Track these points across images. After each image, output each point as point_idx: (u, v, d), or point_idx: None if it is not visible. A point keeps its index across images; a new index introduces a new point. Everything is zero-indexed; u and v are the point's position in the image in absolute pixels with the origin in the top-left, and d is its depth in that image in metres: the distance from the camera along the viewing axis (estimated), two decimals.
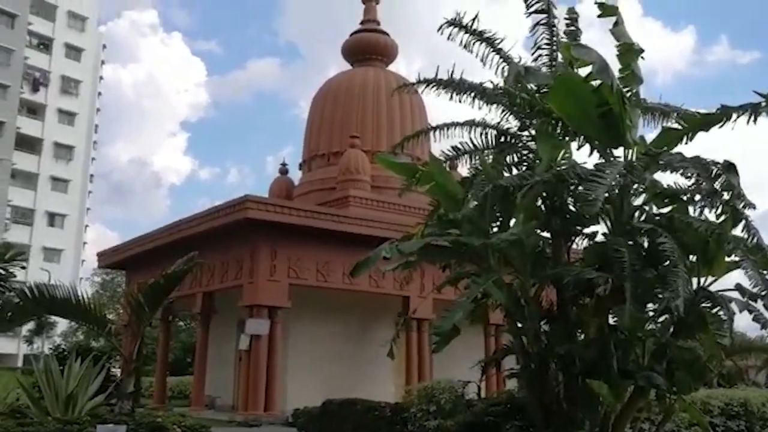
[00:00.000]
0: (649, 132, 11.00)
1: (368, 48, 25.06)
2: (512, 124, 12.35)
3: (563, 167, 10.49)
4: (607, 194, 8.80)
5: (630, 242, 9.79)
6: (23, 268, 8.81)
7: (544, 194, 10.86)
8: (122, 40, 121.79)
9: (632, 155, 10.31)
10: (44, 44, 68.98)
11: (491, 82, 12.19)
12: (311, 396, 15.98)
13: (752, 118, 8.96)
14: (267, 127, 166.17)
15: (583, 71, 9.93)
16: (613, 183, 8.84)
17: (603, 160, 10.42)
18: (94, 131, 79.16)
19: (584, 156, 11.16)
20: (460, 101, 13.02)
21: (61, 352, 18.17)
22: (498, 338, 20.27)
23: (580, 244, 11.82)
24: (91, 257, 56.05)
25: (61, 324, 46.87)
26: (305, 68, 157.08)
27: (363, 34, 25.51)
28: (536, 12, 11.93)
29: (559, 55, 11.48)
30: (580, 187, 10.44)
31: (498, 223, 10.80)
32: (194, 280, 19.33)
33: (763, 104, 8.74)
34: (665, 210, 10.49)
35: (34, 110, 66.88)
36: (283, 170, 24.42)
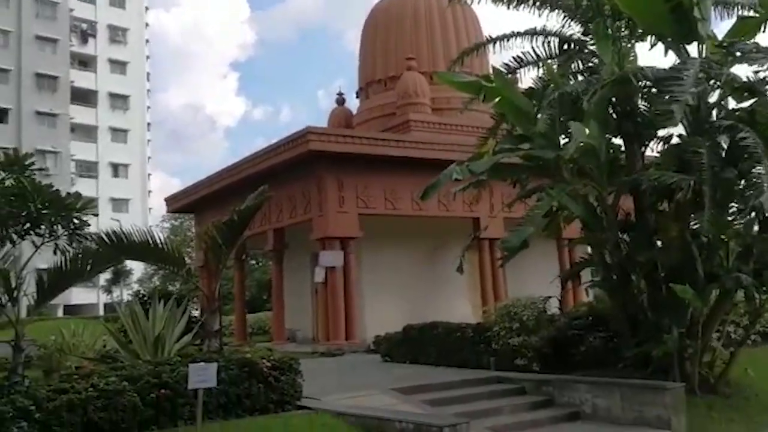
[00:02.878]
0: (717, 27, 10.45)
1: None
2: (575, 30, 11.96)
3: (631, 69, 10.13)
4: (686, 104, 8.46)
5: (709, 142, 9.48)
6: (95, 215, 8.85)
7: (614, 99, 10.54)
8: None
9: (705, 50, 9.88)
10: None
11: None
12: (390, 322, 16.11)
13: None
14: (315, 60, 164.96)
15: None
16: (693, 86, 8.48)
17: (676, 59, 10.03)
18: (147, 79, 79.77)
19: (653, 57, 10.77)
20: (517, 9, 12.66)
21: (142, 297, 18.70)
22: (572, 251, 19.99)
23: (654, 148, 11.53)
24: (158, 205, 57.39)
25: (137, 271, 48.32)
26: None
27: None
28: None
29: None
30: (654, 89, 10.15)
31: (567, 134, 10.56)
32: (263, 217, 19.53)
33: None
34: (745, 105, 10.10)
35: (86, 62, 67.57)
36: (340, 100, 24.19)
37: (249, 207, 9.06)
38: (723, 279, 9.50)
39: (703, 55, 9.59)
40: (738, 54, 9.58)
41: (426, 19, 22.28)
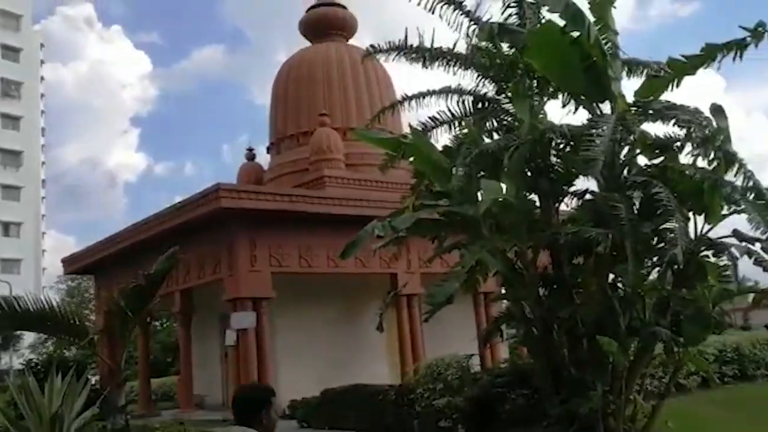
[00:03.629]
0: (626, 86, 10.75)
1: (327, 23, 24.40)
2: (489, 88, 12.09)
3: (547, 126, 10.27)
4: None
5: (624, 197, 9.63)
6: None
7: (528, 155, 10.63)
8: (60, 38, 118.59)
9: (617, 109, 10.11)
10: None
11: (467, 43, 11.91)
12: (304, 386, 15.65)
13: (738, 54, 8.78)
14: (219, 115, 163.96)
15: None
16: (610, 138, 8.63)
17: (589, 116, 10.22)
18: (42, 135, 77.07)
19: (561, 114, 10.94)
20: (430, 68, 12.71)
21: (35, 366, 17.44)
22: (488, 307, 20.09)
23: (569, 204, 11.68)
24: (52, 265, 54.91)
25: (28, 336, 45.74)
26: (253, 53, 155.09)
27: (321, 8, 24.82)
28: None
29: (527, 12, 11.22)
30: (570, 145, 10.31)
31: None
32: (170, 278, 18.64)
33: (749, 38, 8.57)
34: (656, 162, 10.36)
35: None
36: (251, 155, 23.79)
37: (158, 271, 8.56)
38: (642, 332, 9.56)
39: (617, 111, 9.78)
40: (650, 112, 9.82)
41: (338, 74, 22.37)
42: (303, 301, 18.09)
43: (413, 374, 13.12)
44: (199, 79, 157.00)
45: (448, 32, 11.74)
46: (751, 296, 13.95)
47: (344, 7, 25.14)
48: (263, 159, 24.05)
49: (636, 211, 9.77)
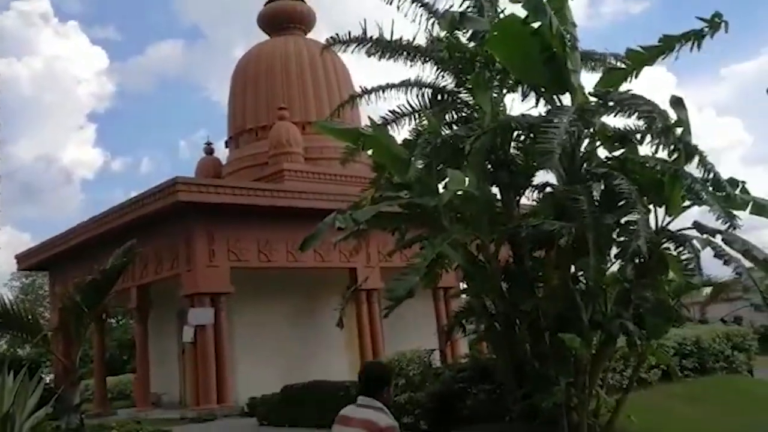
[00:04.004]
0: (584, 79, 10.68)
1: (286, 16, 24.08)
2: (448, 81, 11.94)
3: (509, 118, 10.16)
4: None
5: (585, 189, 9.55)
6: None
7: (489, 147, 10.50)
8: (14, 33, 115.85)
9: (577, 101, 10.03)
10: None
11: (426, 36, 11.76)
12: (264, 383, 15.39)
13: (695, 44, 8.77)
14: (176, 111, 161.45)
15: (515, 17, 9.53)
16: (567, 130, 8.53)
17: (548, 108, 10.13)
18: None
19: (524, 107, 10.85)
20: (389, 60, 12.53)
21: None
22: (448, 302, 19.97)
23: (530, 197, 11.59)
24: (7, 262, 53.53)
25: None
26: (210, 48, 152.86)
27: (279, 2, 24.45)
28: None
29: (485, 5, 11.11)
30: (530, 137, 10.20)
31: (445, 182, 10.45)
32: (126, 273, 18.26)
33: (706, 29, 8.54)
34: (616, 154, 10.31)
35: None
36: (209, 150, 23.36)
37: (115, 265, 8.27)
38: (606, 325, 9.48)
39: (576, 103, 9.69)
40: (611, 103, 9.73)
41: (296, 68, 22.09)
42: (262, 296, 17.82)
43: None
44: (156, 75, 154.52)
45: (406, 25, 11.60)
46: (706, 290, 14.10)
47: (303, 1, 24.83)
48: (222, 154, 23.67)
49: (597, 204, 9.72)
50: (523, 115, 9.85)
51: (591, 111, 9.58)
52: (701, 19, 8.53)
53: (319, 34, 24.37)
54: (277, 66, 22.11)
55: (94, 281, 8.13)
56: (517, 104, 11.26)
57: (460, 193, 9.48)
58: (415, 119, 11.98)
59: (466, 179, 9.47)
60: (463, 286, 11.73)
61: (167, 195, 15.66)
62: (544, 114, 9.62)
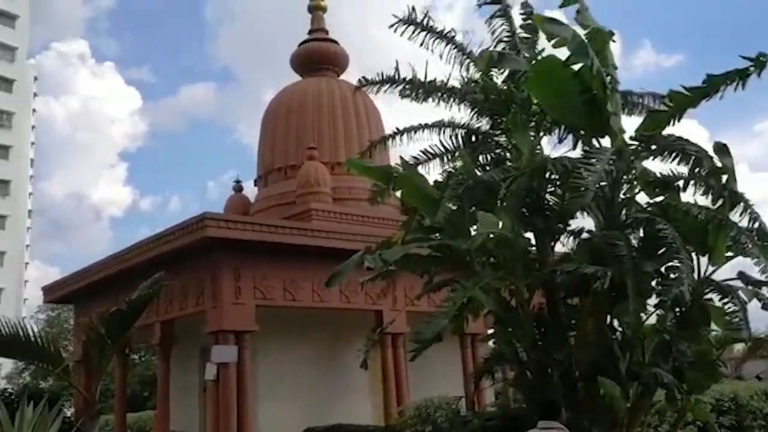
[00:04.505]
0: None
1: (319, 57, 24.21)
2: (482, 122, 11.81)
3: (545, 159, 9.96)
4: (597, 185, 8.28)
5: (624, 235, 9.28)
6: None
7: (524, 191, 10.30)
8: (53, 73, 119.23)
9: (617, 143, 9.81)
10: None
11: (462, 76, 11.70)
12: (285, 423, 15.07)
13: (740, 84, 8.52)
14: (206, 152, 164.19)
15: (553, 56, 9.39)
16: (604, 170, 8.30)
17: (586, 150, 9.91)
18: (30, 166, 76.59)
19: (560, 151, 10.64)
20: (422, 102, 12.44)
21: (8, 396, 16.73)
22: (475, 348, 19.59)
23: (564, 243, 11.31)
24: (34, 295, 54.01)
25: (5, 365, 44.80)
26: (241, 91, 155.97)
27: (312, 43, 24.64)
28: (489, 2, 11.49)
29: (520, 47, 11.03)
30: (566, 180, 9.96)
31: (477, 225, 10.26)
32: (151, 308, 18.09)
33: (752, 68, 8.31)
34: (657, 200, 10.04)
35: None
36: (238, 187, 23.37)
37: (141, 296, 8.10)
38: (643, 376, 9.12)
39: (615, 146, 9.47)
40: (653, 147, 9.50)
41: (328, 108, 22.12)
42: (286, 335, 17.56)
43: (399, 415, 12.55)
44: (187, 116, 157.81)
45: (437, 67, 11.56)
46: (738, 345, 13.57)
47: (336, 42, 24.99)
48: (251, 193, 23.67)
49: (636, 250, 9.44)
50: (561, 156, 9.65)
51: (631, 153, 9.38)
52: (746, 57, 8.30)
53: (350, 76, 24.42)
54: (308, 105, 22.19)
55: (119, 312, 7.96)
56: (553, 148, 10.98)
57: (493, 236, 9.29)
58: (447, 160, 11.86)
59: (500, 222, 9.26)
60: (490, 331, 11.44)
61: (195, 230, 15.56)
62: (584, 153, 9.44)
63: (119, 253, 19.02)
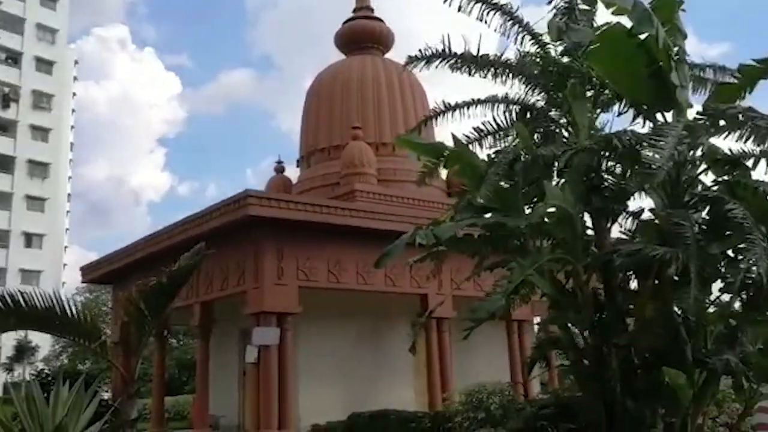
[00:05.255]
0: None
1: (364, 36, 23.75)
2: (538, 97, 11.37)
3: (608, 134, 9.48)
4: (670, 163, 7.78)
5: (689, 216, 8.79)
6: None
7: (584, 168, 9.85)
8: (94, 57, 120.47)
9: (683, 118, 9.29)
10: (13, 58, 67.29)
11: (517, 50, 11.27)
12: (327, 409, 14.80)
13: None
14: (245, 139, 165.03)
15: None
16: (676, 148, 7.82)
17: (652, 126, 9.42)
18: (70, 149, 77.34)
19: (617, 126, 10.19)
20: (475, 75, 11.99)
21: (45, 377, 16.68)
22: (522, 335, 19.15)
23: (623, 224, 10.84)
24: (72, 279, 54.45)
25: (44, 348, 45.30)
26: (281, 79, 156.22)
27: (357, 21, 24.18)
28: None
29: (580, 18, 10.54)
30: (630, 156, 9.46)
31: (534, 202, 9.86)
32: (190, 289, 18.01)
33: None
34: (725, 178, 9.51)
35: (5, 127, 65.11)
36: (280, 168, 23.03)
37: (182, 268, 7.78)
38: (709, 364, 8.62)
39: (684, 121, 8.95)
40: (722, 122, 8.94)
41: (373, 88, 21.70)
42: (329, 318, 17.27)
43: (444, 401, 12.18)
44: (226, 102, 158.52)
45: (484, 45, 11.17)
46: None
47: (381, 20, 24.51)
48: (293, 176, 23.35)
49: (704, 231, 8.94)
50: (625, 131, 9.15)
51: (700, 129, 8.85)
52: None
53: (394, 56, 23.91)
54: (353, 85, 21.78)
55: (159, 284, 7.63)
56: (605, 124, 10.49)
57: (554, 213, 8.88)
58: (499, 138, 11.45)
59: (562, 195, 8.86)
60: (536, 320, 11.06)
61: (237, 208, 15.27)
62: (648, 132, 8.96)
63: (158, 232, 18.87)
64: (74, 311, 7.78)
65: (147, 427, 20.44)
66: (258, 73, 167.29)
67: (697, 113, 9.12)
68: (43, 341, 43.04)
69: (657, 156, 7.77)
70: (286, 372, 15.51)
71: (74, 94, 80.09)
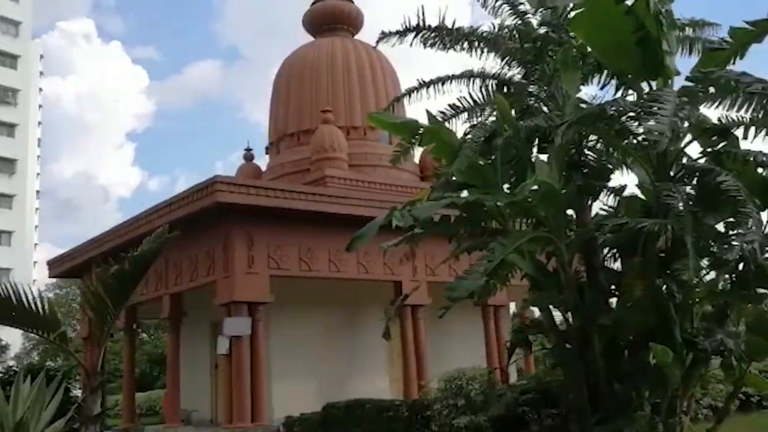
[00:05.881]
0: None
1: (333, 16, 23.13)
2: (515, 72, 10.98)
3: (599, 104, 9.05)
4: (672, 131, 7.36)
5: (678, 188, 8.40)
6: None
7: (567, 144, 9.45)
8: (59, 52, 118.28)
9: (671, 86, 8.90)
10: None
11: (492, 24, 10.90)
12: (300, 400, 14.33)
13: None
14: (214, 132, 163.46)
15: None
16: (678, 115, 7.40)
17: (645, 93, 9.01)
18: (38, 145, 75.90)
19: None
20: (449, 50, 11.57)
21: (13, 375, 15.97)
22: (498, 320, 18.80)
23: (604, 201, 10.48)
24: (43, 276, 53.26)
25: (15, 346, 44.45)
26: (248, 69, 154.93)
27: (326, 2, 23.51)
28: None
29: None
30: (615, 130, 9.07)
31: (510, 183, 9.45)
32: (159, 280, 17.43)
33: None
34: (713, 149, 9.14)
35: None
36: (249, 156, 22.42)
37: (145, 252, 7.24)
38: (700, 343, 8.25)
39: (679, 87, 8.55)
40: (711, 90, 8.53)
41: (343, 70, 21.16)
42: (301, 307, 16.79)
43: (421, 389, 11.75)
44: (195, 95, 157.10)
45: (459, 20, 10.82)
46: None
47: (351, 1, 23.90)
48: (264, 165, 22.74)
49: (696, 204, 8.57)
50: (615, 100, 8.73)
51: (690, 97, 8.46)
52: None
53: (363, 37, 23.37)
54: (322, 67, 21.19)
55: (121, 271, 7.08)
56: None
57: (538, 189, 8.47)
58: (474, 115, 11.05)
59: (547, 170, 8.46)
60: (512, 304, 10.63)
61: (205, 196, 14.68)
62: (640, 100, 8.55)
63: (126, 222, 18.26)
64: (31, 302, 7.25)
65: (119, 424, 19.90)
66: (225, 64, 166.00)
67: (687, 79, 8.73)
68: (13, 339, 42.10)
69: (656, 124, 7.33)
70: (259, 363, 15.01)
71: (40, 89, 78.43)
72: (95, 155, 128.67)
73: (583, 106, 9.32)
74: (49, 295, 45.17)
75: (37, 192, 75.77)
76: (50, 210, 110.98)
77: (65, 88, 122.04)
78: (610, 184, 10.02)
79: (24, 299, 7.08)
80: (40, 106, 77.80)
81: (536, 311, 14.68)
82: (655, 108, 7.42)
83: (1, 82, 66.46)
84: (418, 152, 19.06)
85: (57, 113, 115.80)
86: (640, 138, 8.66)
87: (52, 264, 23.34)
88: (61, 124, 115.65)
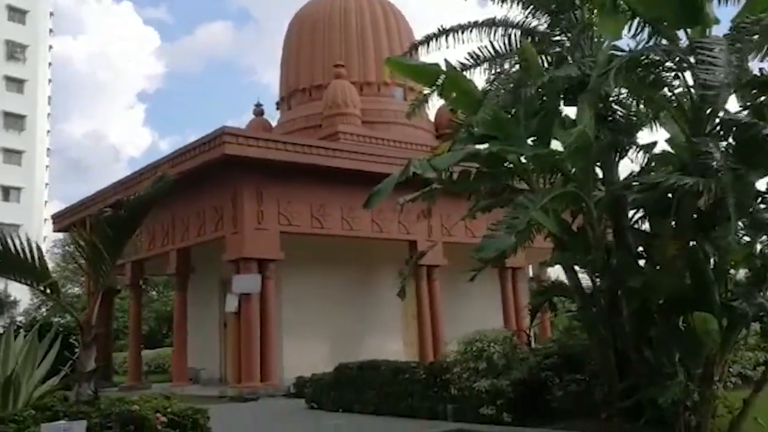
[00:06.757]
0: None
1: None
2: (541, 21, 10.37)
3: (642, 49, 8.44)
4: (727, 80, 6.77)
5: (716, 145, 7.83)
6: None
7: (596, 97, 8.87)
8: (70, 12, 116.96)
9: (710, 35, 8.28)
10: None
11: None
12: (312, 361, 13.98)
13: None
14: (225, 93, 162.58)
15: None
16: (735, 63, 6.80)
17: (689, 42, 8.39)
18: (48, 103, 75.30)
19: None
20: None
21: (16, 330, 15.65)
22: (516, 283, 18.35)
23: (634, 159, 9.93)
24: (53, 234, 53.17)
25: (24, 301, 44.41)
26: (259, 31, 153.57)
27: None
28: None
29: None
30: (652, 81, 8.48)
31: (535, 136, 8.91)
32: (165, 235, 17.04)
33: None
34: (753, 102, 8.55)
35: None
36: (258, 111, 21.83)
37: (142, 196, 6.76)
38: (739, 308, 7.73)
39: (728, 36, 7.91)
40: (755, 37, 7.90)
41: (356, 24, 20.50)
42: (313, 265, 16.35)
43: (435, 352, 11.33)
44: (205, 56, 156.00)
45: None
46: None
47: None
48: (273, 121, 22.14)
49: (736, 161, 8.00)
50: (656, 45, 8.11)
51: (747, 43, 7.84)
52: None
53: None
54: (335, 20, 20.51)
55: (116, 217, 6.62)
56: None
57: (573, 141, 7.92)
58: (495, 66, 10.47)
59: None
60: (531, 266, 10.16)
61: (213, 148, 14.16)
62: (697, 40, 7.95)
63: (132, 175, 17.82)
64: (21, 251, 6.80)
65: (124, 381, 19.67)
66: (236, 26, 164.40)
67: (732, 28, 8.09)
68: (22, 294, 42.07)
69: (710, 76, 6.74)
70: (269, 322, 14.66)
71: (50, 46, 77.49)
72: (106, 115, 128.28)
73: (618, 53, 8.77)
74: (58, 251, 45.09)
75: (48, 150, 75.25)
76: (61, 169, 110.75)
77: (76, 48, 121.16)
78: (638, 141, 9.54)
79: (13, 247, 6.66)
80: (50, 64, 76.91)
81: (552, 274, 14.28)
82: (707, 58, 6.81)
83: (11, 37, 65.68)
84: (433, 110, 18.50)
85: (68, 73, 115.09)
86: (676, 90, 8.14)
87: (56, 218, 22.98)
88: (72, 84, 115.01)
